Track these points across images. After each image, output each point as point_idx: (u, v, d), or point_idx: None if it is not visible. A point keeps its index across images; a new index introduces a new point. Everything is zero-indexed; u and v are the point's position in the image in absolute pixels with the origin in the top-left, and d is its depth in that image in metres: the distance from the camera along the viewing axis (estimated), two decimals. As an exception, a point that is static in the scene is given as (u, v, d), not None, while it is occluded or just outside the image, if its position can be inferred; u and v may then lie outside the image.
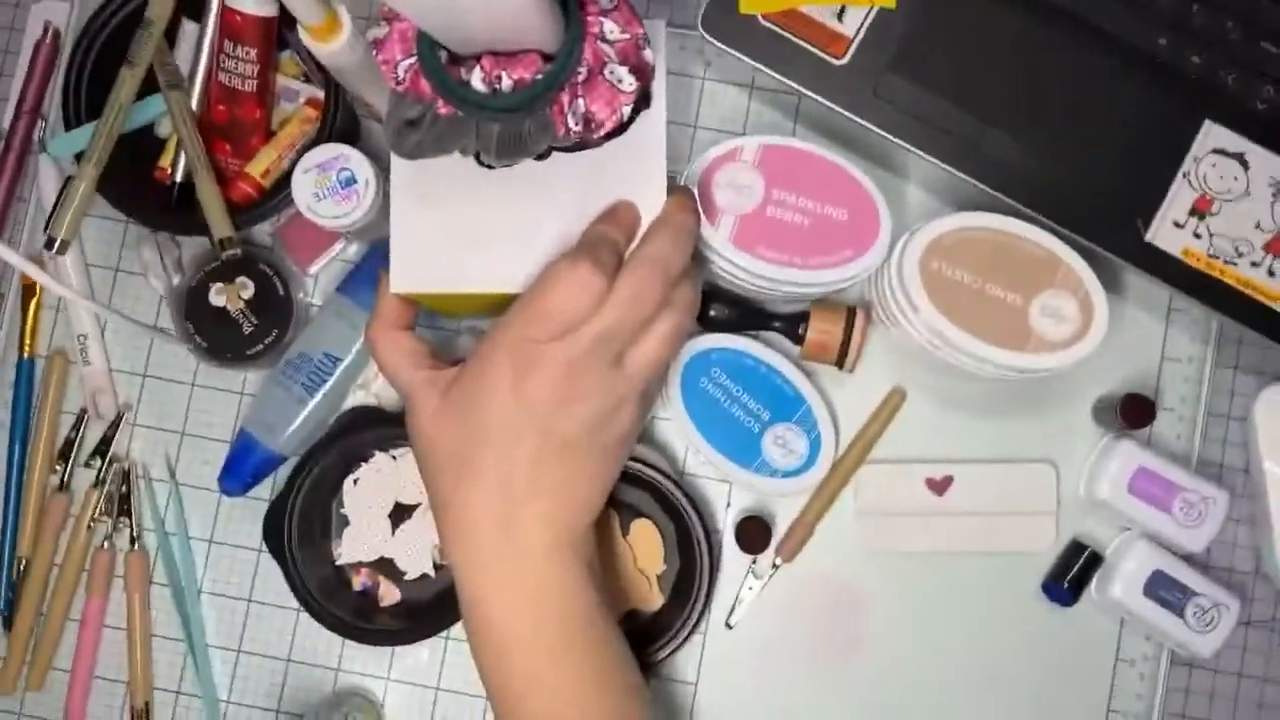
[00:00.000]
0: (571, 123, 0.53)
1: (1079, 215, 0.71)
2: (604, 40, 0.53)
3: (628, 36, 0.54)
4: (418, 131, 0.56)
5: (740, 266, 0.70)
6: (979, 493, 0.77)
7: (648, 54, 0.55)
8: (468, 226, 0.62)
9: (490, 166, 0.61)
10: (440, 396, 0.59)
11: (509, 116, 0.53)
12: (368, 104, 0.70)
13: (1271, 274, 0.71)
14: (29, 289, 0.81)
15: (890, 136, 0.71)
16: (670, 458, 0.79)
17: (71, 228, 0.71)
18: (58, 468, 0.80)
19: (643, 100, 0.59)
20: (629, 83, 0.53)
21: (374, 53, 0.54)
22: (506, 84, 0.52)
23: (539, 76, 0.52)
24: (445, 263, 0.62)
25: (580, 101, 0.53)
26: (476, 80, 0.52)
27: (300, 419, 0.75)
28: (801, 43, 0.72)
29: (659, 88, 0.60)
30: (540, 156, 0.61)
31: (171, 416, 0.81)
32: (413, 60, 0.53)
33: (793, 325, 0.76)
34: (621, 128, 0.59)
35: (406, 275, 0.63)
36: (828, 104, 0.72)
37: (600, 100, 0.53)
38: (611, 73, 0.53)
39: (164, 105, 0.75)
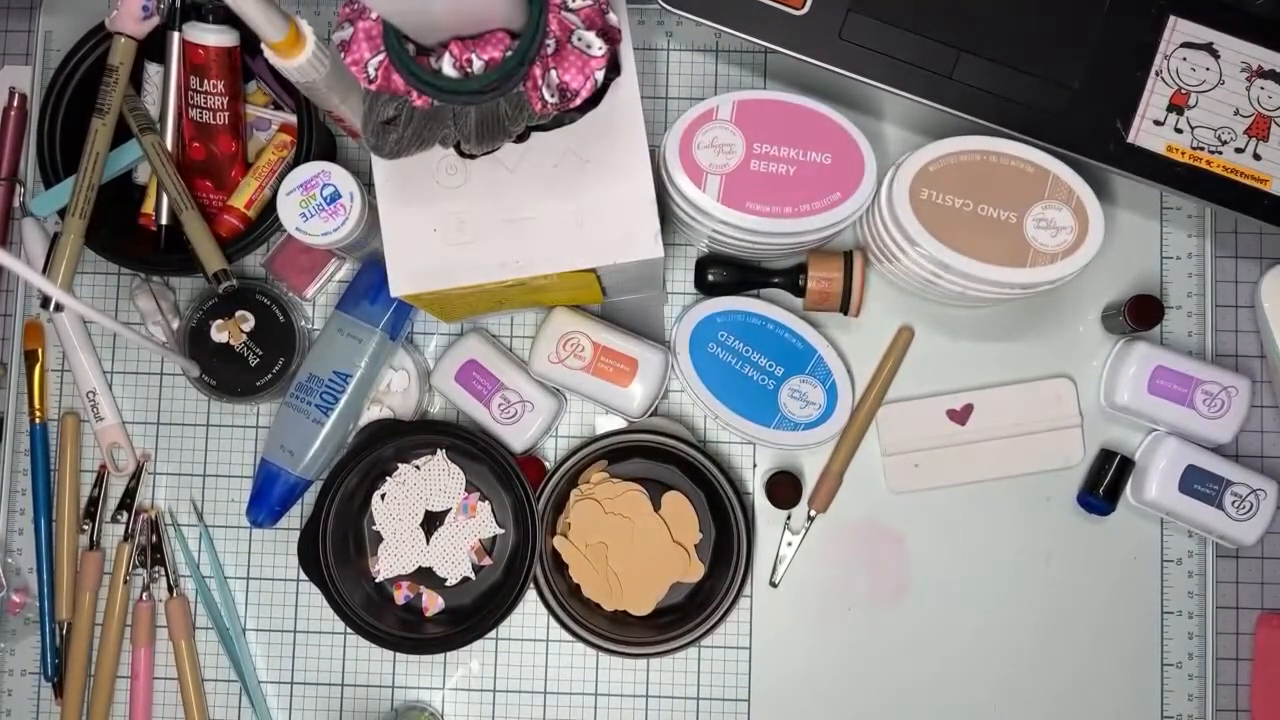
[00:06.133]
0: (547, 95, 0.53)
1: (1059, 128, 0.71)
2: (567, 9, 0.53)
3: (591, 2, 0.54)
4: (396, 129, 0.56)
5: (732, 224, 0.70)
6: (1001, 416, 0.77)
7: (612, 18, 0.55)
8: (458, 221, 0.62)
9: (472, 156, 0.61)
10: None
11: (484, 99, 0.53)
12: (341, 119, 0.70)
13: (1257, 157, 0.71)
14: (31, 354, 0.81)
15: (861, 78, 0.71)
16: (690, 427, 0.79)
17: (65, 282, 0.71)
18: (85, 527, 0.80)
19: (614, 68, 0.59)
20: (598, 47, 0.53)
21: (342, 55, 0.54)
22: (478, 65, 0.52)
23: (509, 53, 0.52)
24: (441, 260, 0.62)
25: (553, 73, 0.53)
26: (448, 67, 0.52)
27: (319, 441, 0.75)
28: (759, -2, 0.72)
29: (627, 54, 0.61)
30: (520, 139, 0.61)
31: (190, 460, 0.81)
32: (382, 57, 0.53)
33: (792, 278, 0.77)
34: (596, 97, 0.59)
35: (405, 278, 0.63)
36: (794, 55, 0.72)
37: (572, 69, 0.53)
38: (580, 39, 0.53)
39: (139, 150, 0.75)
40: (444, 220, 0.62)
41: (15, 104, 0.82)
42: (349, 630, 0.75)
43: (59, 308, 0.74)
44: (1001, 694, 0.77)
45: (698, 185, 0.69)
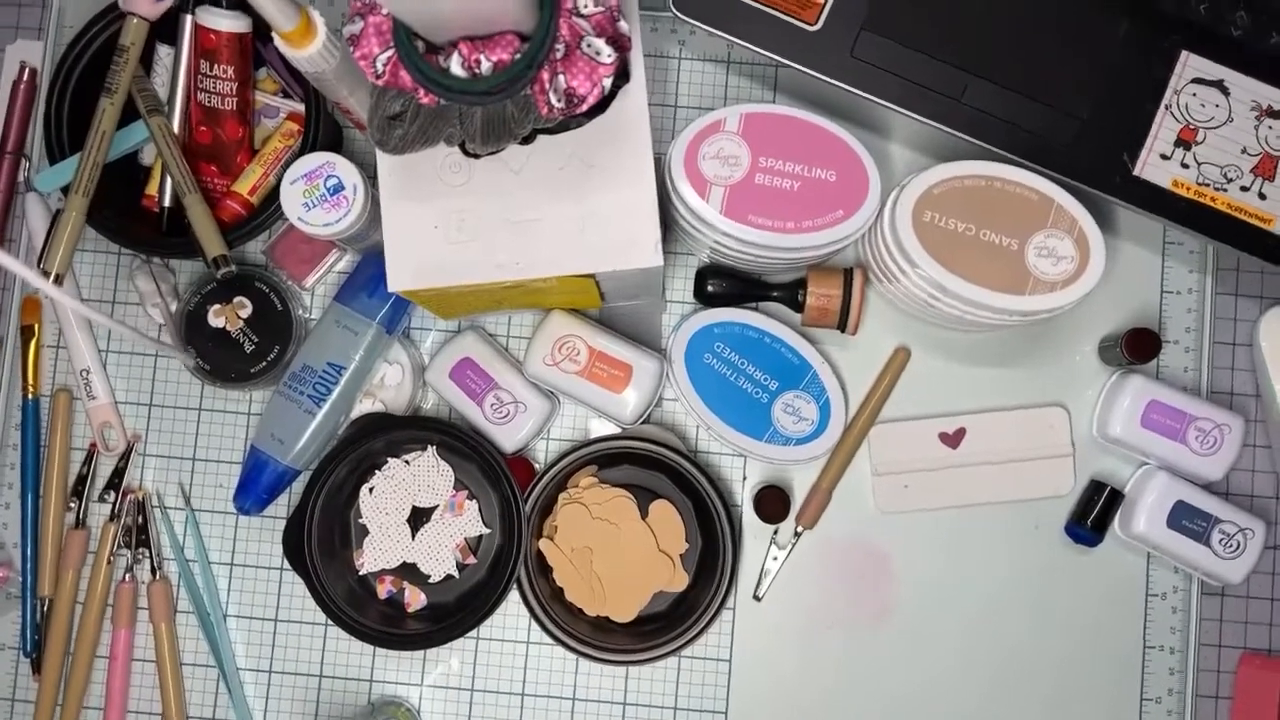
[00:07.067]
0: (554, 100, 0.53)
1: (1066, 157, 0.71)
2: (578, 14, 0.53)
3: (602, 9, 0.54)
4: (402, 125, 0.56)
5: (734, 237, 0.70)
6: (993, 441, 0.77)
7: (623, 25, 0.55)
8: (459, 220, 0.62)
9: (476, 155, 0.61)
10: None
11: (491, 100, 0.53)
12: (348, 110, 0.70)
13: (1262, 196, 0.71)
14: (27, 329, 0.81)
15: (871, 97, 0.71)
16: (682, 437, 0.79)
17: (65, 260, 0.71)
18: (72, 505, 0.80)
19: (622, 75, 0.59)
20: (607, 54, 0.53)
21: (351, 49, 0.54)
22: (486, 66, 0.52)
23: (518, 56, 0.52)
24: (441, 258, 0.62)
25: (560, 78, 0.53)
26: (456, 66, 0.52)
27: (310, 431, 0.75)
28: (773, 12, 0.72)
29: (637, 61, 0.61)
30: (525, 140, 0.61)
31: (181, 443, 0.81)
32: (390, 53, 0.53)
33: (791, 293, 0.77)
34: (603, 103, 0.59)
35: (404, 274, 0.63)
36: (805, 70, 0.72)
37: (580, 75, 0.53)
38: (589, 46, 0.53)
39: (146, 131, 0.75)
40: (445, 218, 0.62)
41: (25, 78, 0.82)
42: (329, 622, 0.75)
43: (58, 283, 0.74)
44: (980, 719, 0.77)
45: (701, 196, 0.69)
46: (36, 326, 0.81)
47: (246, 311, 0.77)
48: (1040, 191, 0.70)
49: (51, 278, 0.71)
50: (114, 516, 0.80)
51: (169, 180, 0.76)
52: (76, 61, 0.76)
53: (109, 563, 0.79)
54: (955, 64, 0.71)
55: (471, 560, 0.78)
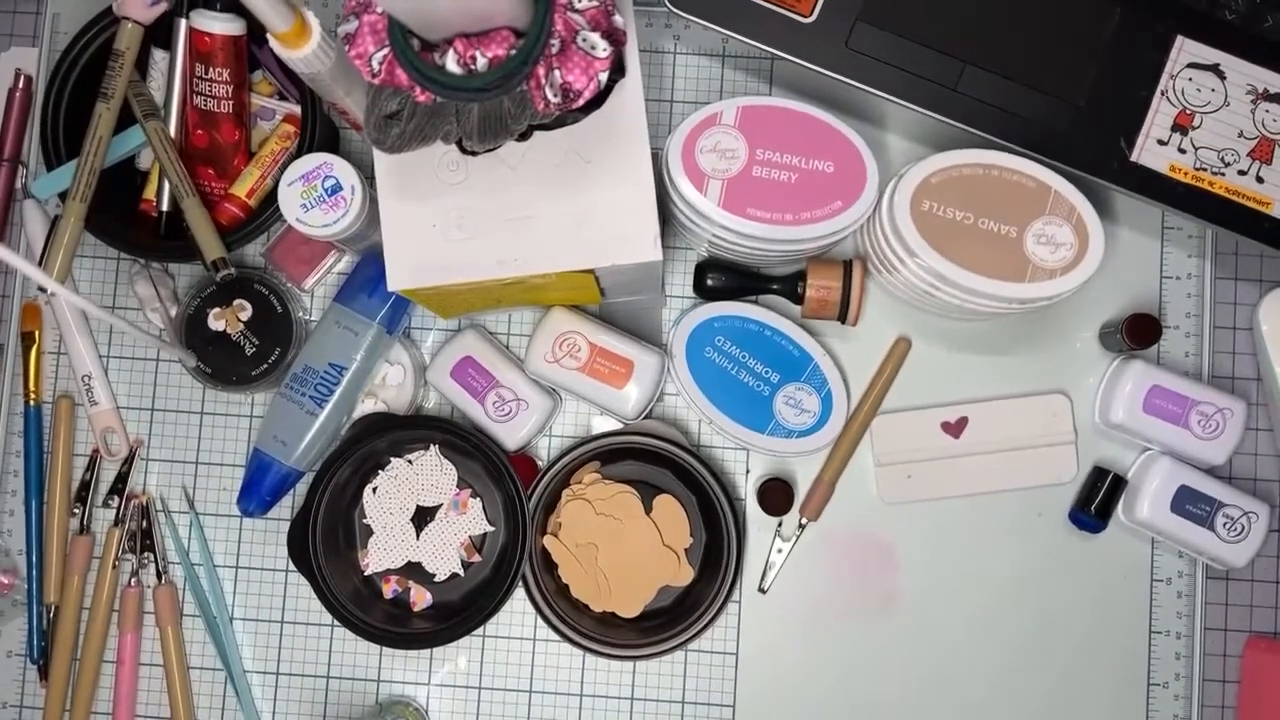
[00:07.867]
0: (550, 95, 0.53)
1: (1063, 144, 0.71)
2: (573, 9, 0.53)
3: (597, 4, 0.54)
4: (398, 124, 0.56)
5: (732, 230, 0.70)
6: (995, 430, 0.77)
7: (618, 19, 0.55)
8: (458, 217, 0.62)
9: (474, 153, 0.61)
10: None
11: (487, 96, 0.53)
12: (344, 111, 0.70)
13: (1260, 180, 0.71)
14: (27, 336, 0.81)
15: (867, 88, 0.71)
16: (684, 431, 0.79)
17: (64, 266, 0.71)
18: (76, 510, 0.80)
19: (618, 69, 0.60)
20: (603, 48, 0.53)
21: (346, 49, 0.54)
22: (482, 63, 0.52)
23: (513, 52, 0.52)
24: (440, 256, 0.62)
25: (556, 73, 0.53)
26: (451, 63, 0.52)
27: (312, 432, 0.75)
28: (768, 5, 0.72)
29: (632, 56, 0.61)
30: (522, 137, 0.61)
31: (184, 447, 0.81)
32: (386, 51, 0.53)
33: (791, 285, 0.77)
34: (600, 98, 0.59)
35: (403, 273, 0.63)
36: (800, 62, 0.71)
37: (576, 69, 0.53)
38: (584, 40, 0.53)
39: (143, 136, 0.75)
40: (444, 216, 0.62)
41: (20, 86, 0.82)
42: (336, 623, 0.75)
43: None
44: (986, 708, 0.77)
45: (699, 189, 0.69)
46: (37, 333, 0.81)
47: (246, 314, 0.77)
48: (1038, 179, 0.70)
49: (53, 278, 0.71)
50: (118, 521, 0.80)
51: (166, 184, 0.76)
52: (72, 67, 0.76)
53: (114, 568, 0.79)
54: (951, 53, 0.71)
55: (476, 558, 0.78)
